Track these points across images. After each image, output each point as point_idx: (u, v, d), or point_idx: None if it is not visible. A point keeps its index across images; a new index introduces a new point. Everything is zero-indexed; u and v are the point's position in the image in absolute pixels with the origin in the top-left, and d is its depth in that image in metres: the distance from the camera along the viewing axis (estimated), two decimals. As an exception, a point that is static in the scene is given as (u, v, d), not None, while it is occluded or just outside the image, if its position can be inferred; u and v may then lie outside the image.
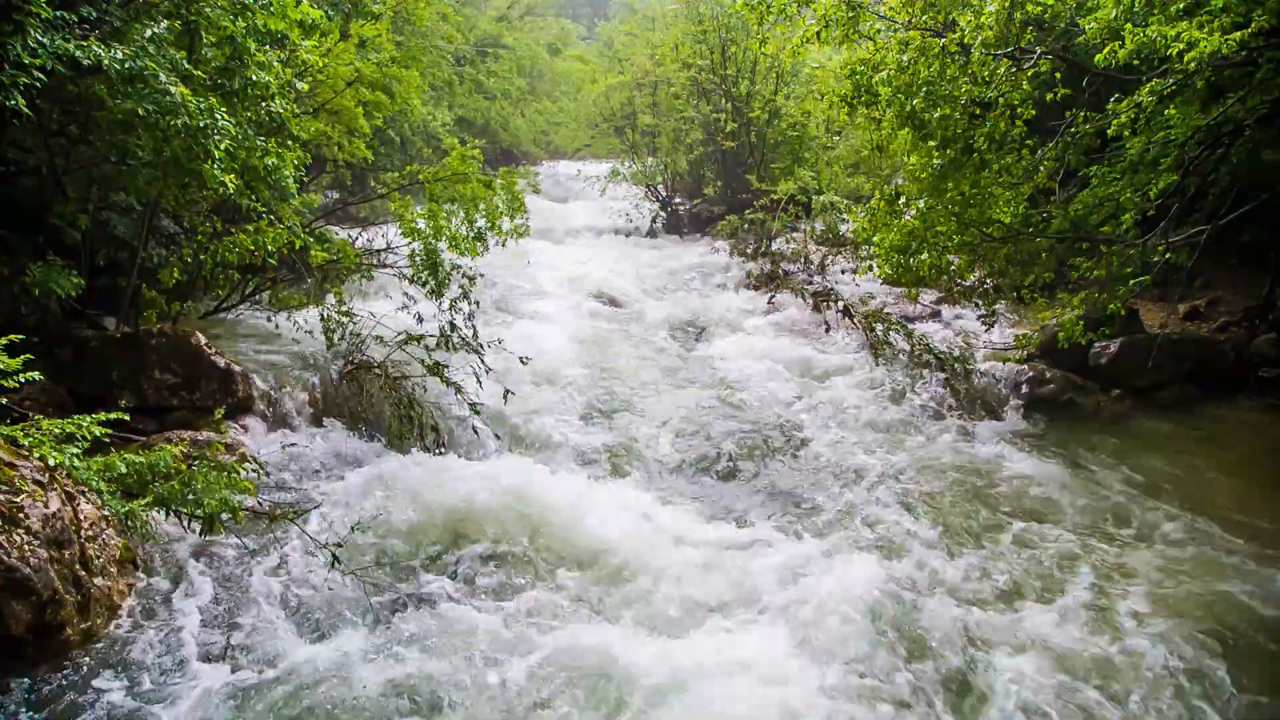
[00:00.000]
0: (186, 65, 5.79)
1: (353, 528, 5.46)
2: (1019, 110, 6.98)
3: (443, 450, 7.16)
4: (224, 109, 5.84)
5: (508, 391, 7.57)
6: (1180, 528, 6.01)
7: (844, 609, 4.96)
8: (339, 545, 5.13)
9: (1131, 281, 7.39)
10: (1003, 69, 6.98)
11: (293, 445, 6.79)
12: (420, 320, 7.86)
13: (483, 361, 7.64)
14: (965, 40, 6.90)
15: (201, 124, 5.54)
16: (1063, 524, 6.12)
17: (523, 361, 7.98)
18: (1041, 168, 7.47)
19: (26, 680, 4.07)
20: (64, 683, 4.11)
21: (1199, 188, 7.71)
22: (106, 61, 5.15)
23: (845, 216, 13.49)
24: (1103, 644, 4.77)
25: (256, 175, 6.43)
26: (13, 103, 4.94)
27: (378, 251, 9.49)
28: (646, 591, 5.23)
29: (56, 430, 4.52)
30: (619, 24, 25.35)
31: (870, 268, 8.92)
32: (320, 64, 8.38)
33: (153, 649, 4.42)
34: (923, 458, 7.32)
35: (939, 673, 4.55)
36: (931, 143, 7.29)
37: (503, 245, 8.73)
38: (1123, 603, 5.12)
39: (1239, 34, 5.86)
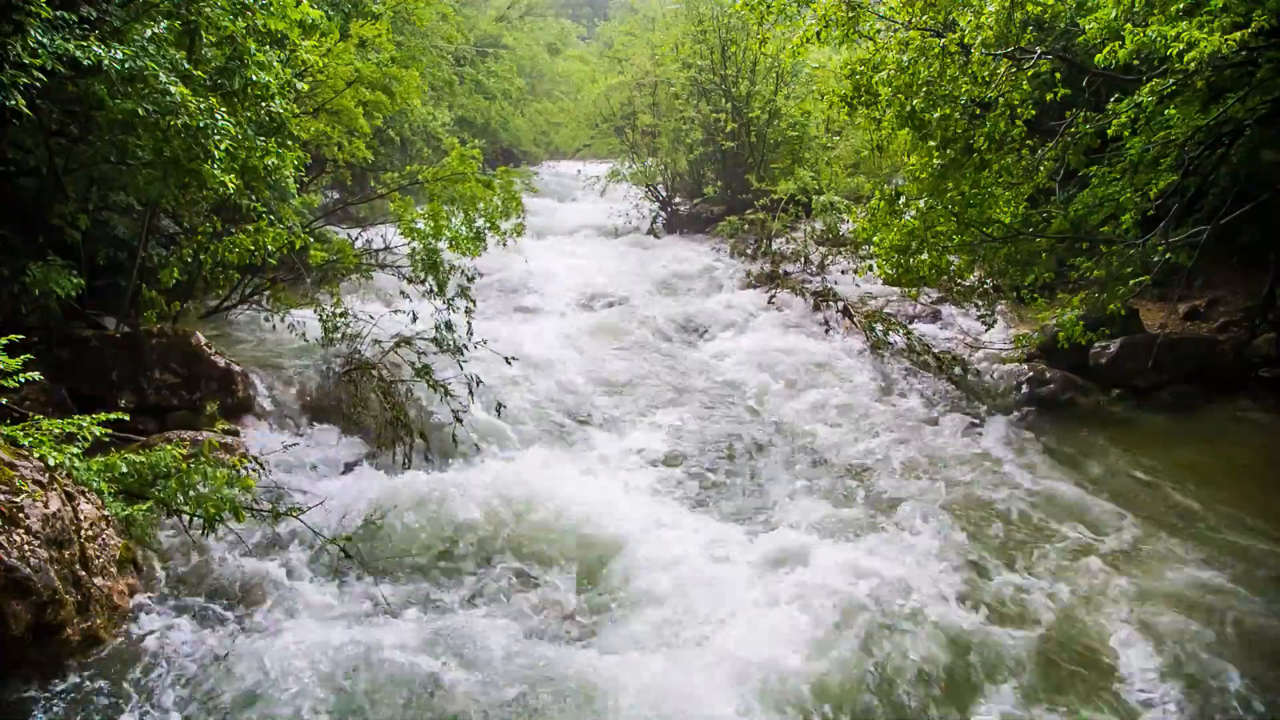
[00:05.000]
0: (186, 65, 5.79)
1: (365, 521, 5.45)
2: (1019, 110, 6.98)
3: (436, 455, 7.15)
4: (224, 109, 5.83)
5: (500, 405, 7.52)
6: (1179, 527, 6.01)
7: (838, 609, 4.97)
8: (348, 539, 5.12)
9: (1131, 281, 7.40)
10: (1003, 69, 6.98)
11: (292, 445, 6.79)
12: (415, 319, 7.85)
13: (461, 366, 7.56)
14: (965, 40, 6.90)
15: (201, 124, 5.54)
16: (1061, 523, 6.11)
17: (508, 361, 7.90)
18: (1041, 168, 7.47)
19: (26, 680, 4.07)
20: (64, 683, 4.12)
21: (1199, 188, 7.72)
22: (106, 61, 5.15)
23: (845, 216, 13.48)
24: (1100, 642, 4.77)
25: (256, 175, 6.42)
26: (13, 103, 4.94)
27: (377, 251, 9.49)
28: (645, 594, 5.23)
29: (56, 430, 4.52)
30: (619, 24, 25.32)
31: (870, 268, 8.92)
32: (320, 64, 8.37)
33: (153, 649, 4.42)
34: (922, 457, 7.31)
35: (927, 672, 4.54)
36: (931, 143, 7.29)
37: (502, 245, 8.73)
38: (1121, 601, 5.11)
39: (1239, 34, 5.86)
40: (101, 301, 7.40)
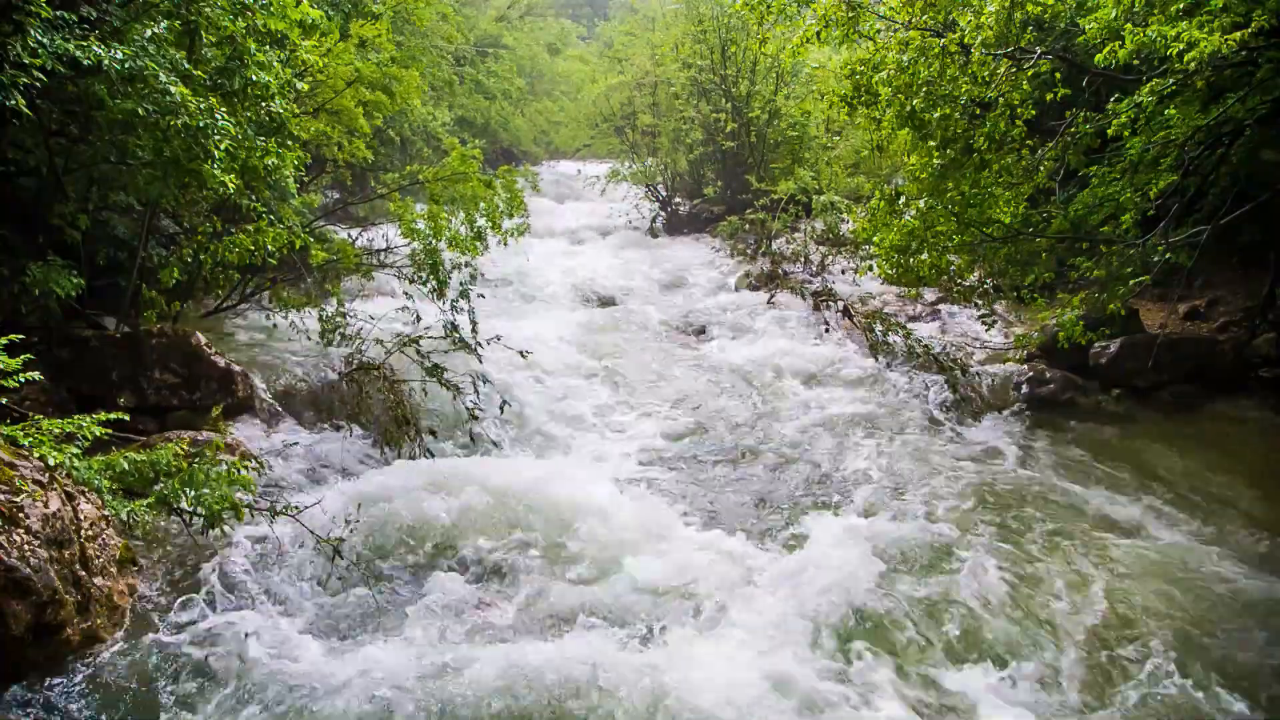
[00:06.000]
0: (186, 65, 5.79)
1: (364, 520, 5.43)
2: (1019, 110, 6.97)
3: (438, 453, 7.15)
4: (224, 109, 5.83)
5: (504, 403, 7.55)
6: (1180, 527, 6.01)
7: (832, 610, 4.99)
8: (340, 540, 5.12)
9: (1131, 281, 7.39)
10: (1003, 69, 6.97)
11: (293, 445, 6.79)
12: (419, 319, 7.85)
13: (480, 360, 7.59)
14: (965, 40, 6.90)
15: (201, 124, 5.54)
16: (1061, 524, 6.11)
17: (523, 355, 7.94)
18: (1041, 168, 7.46)
19: (26, 680, 4.07)
20: (64, 683, 4.12)
21: (1199, 188, 7.71)
22: (106, 61, 5.15)
23: (845, 216, 13.49)
24: (1101, 639, 4.77)
25: (256, 175, 6.43)
26: (13, 103, 4.94)
27: (378, 251, 9.49)
28: (645, 596, 5.23)
29: (56, 430, 4.52)
30: (619, 24, 25.33)
31: (870, 268, 8.91)
32: (320, 64, 8.37)
33: (153, 649, 4.42)
34: (921, 458, 7.31)
35: (916, 675, 4.55)
36: (931, 143, 7.28)
37: (503, 245, 8.73)
38: (1121, 601, 5.11)
39: (1239, 34, 5.85)
40: (101, 301, 7.40)
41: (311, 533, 5.17)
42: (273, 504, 5.18)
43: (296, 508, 5.09)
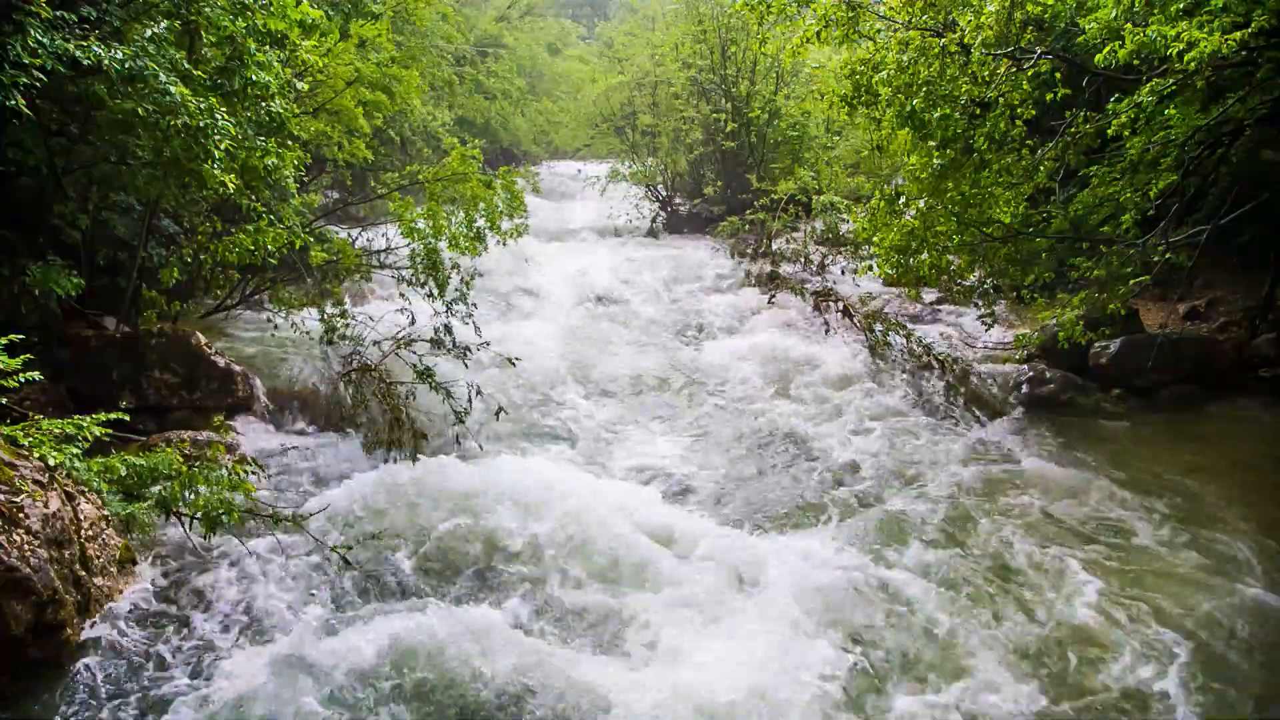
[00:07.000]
0: (186, 65, 5.80)
1: (364, 522, 5.43)
2: (1019, 110, 6.98)
3: (437, 455, 7.14)
4: (224, 109, 5.84)
5: (499, 410, 7.51)
6: (1179, 527, 6.00)
7: (830, 611, 4.99)
8: (349, 548, 5.12)
9: (1131, 281, 7.39)
10: (1003, 69, 6.98)
11: (292, 447, 6.79)
12: (414, 321, 7.84)
13: (465, 366, 7.52)
14: (965, 40, 6.90)
15: (201, 124, 5.55)
16: (1061, 524, 6.11)
17: (511, 362, 7.79)
18: (1041, 168, 7.47)
19: (26, 679, 4.07)
20: (64, 683, 4.11)
21: (1199, 188, 7.71)
22: (106, 61, 5.16)
23: (845, 216, 13.49)
24: (1100, 645, 4.77)
25: (256, 175, 6.43)
26: (13, 103, 4.94)
27: (377, 251, 9.49)
28: (642, 598, 5.23)
29: (56, 430, 4.52)
30: (619, 24, 25.37)
31: (870, 268, 8.92)
32: (320, 64, 8.37)
33: (152, 649, 4.42)
34: (921, 458, 7.31)
35: (928, 665, 4.55)
36: (931, 143, 7.29)
37: (503, 245, 8.72)
38: (1121, 602, 5.11)
39: (1239, 34, 5.86)
40: (101, 301, 7.40)
41: (319, 541, 5.16)
42: (274, 510, 5.18)
43: (301, 516, 5.08)
